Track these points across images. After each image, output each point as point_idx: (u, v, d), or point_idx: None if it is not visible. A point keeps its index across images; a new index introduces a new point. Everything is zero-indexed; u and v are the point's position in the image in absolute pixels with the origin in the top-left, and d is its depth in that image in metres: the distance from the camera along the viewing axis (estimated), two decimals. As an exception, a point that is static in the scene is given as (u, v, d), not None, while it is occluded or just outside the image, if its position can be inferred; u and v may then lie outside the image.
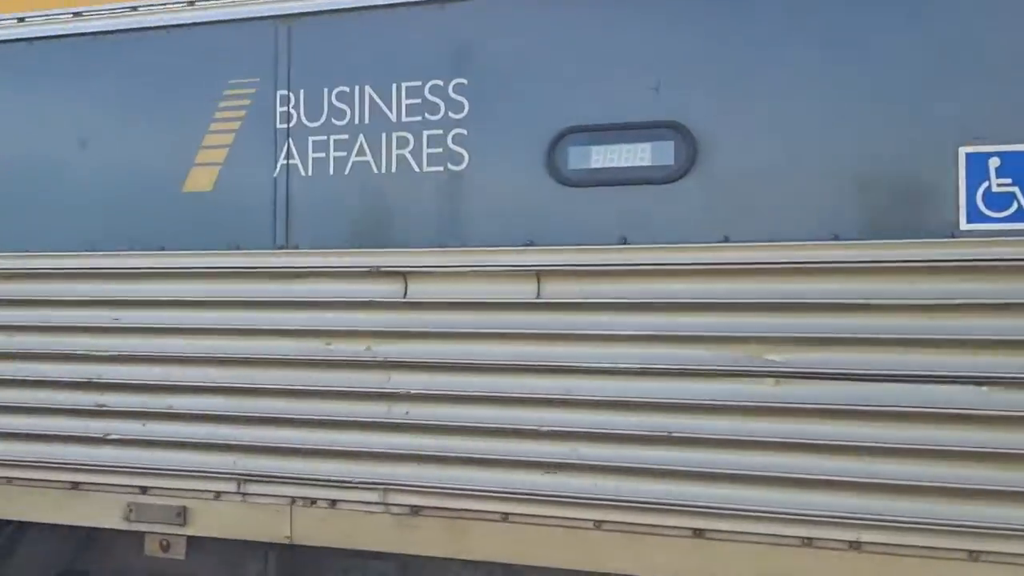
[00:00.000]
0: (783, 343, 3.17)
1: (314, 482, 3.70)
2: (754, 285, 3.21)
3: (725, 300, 3.24)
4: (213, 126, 3.92)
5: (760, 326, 3.20)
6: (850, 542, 3.11)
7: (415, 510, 3.58)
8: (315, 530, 3.72)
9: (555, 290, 3.44)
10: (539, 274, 3.46)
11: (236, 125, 3.90)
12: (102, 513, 4.04)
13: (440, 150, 3.61)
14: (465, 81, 3.59)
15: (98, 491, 4.03)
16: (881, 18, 3.14)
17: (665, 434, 3.29)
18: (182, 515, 3.90)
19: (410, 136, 3.66)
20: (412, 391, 3.59)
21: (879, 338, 3.07)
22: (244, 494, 3.80)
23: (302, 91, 3.80)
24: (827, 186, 3.17)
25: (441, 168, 3.61)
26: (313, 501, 3.71)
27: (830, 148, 3.17)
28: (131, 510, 3.98)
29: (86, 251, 4.06)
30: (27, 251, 4.14)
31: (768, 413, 3.19)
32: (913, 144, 3.08)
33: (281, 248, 3.80)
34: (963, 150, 3.02)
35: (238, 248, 3.86)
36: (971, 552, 2.97)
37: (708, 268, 3.26)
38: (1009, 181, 2.98)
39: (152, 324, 3.95)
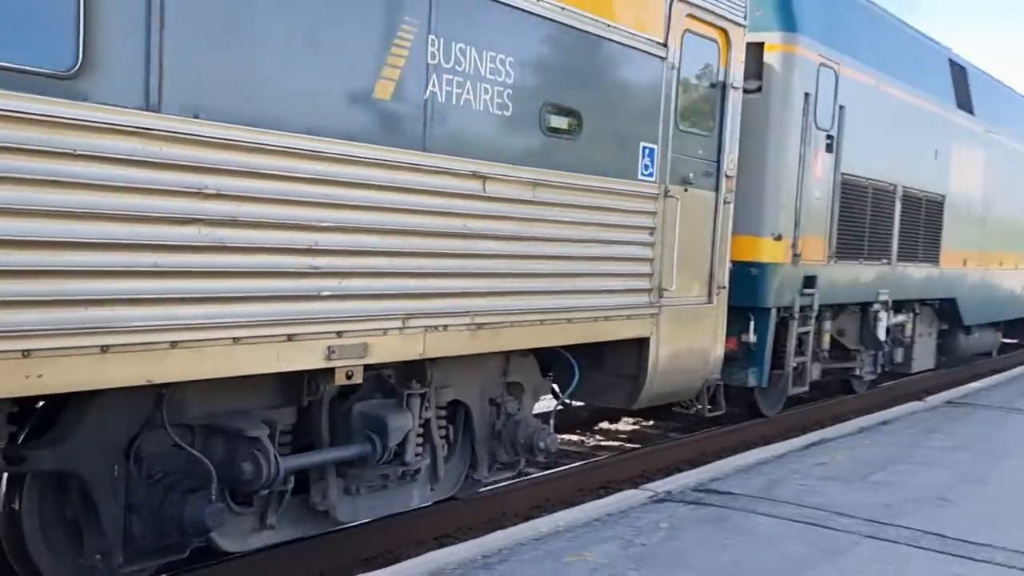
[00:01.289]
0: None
1: (439, 315, 5.52)
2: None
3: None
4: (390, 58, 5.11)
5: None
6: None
7: (480, 325, 5.83)
8: (435, 346, 5.53)
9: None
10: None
11: (406, 53, 5.16)
12: (310, 357, 4.77)
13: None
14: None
15: (307, 339, 4.75)
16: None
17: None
18: (365, 349, 5.06)
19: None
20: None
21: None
22: (403, 328, 5.27)
23: (442, 39, 5.35)
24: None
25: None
26: (445, 327, 5.55)
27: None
28: (332, 351, 4.88)
29: (306, 134, 4.64)
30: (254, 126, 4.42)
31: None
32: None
33: (426, 151, 5.34)
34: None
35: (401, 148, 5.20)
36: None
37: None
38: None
39: (350, 202, 4.91)
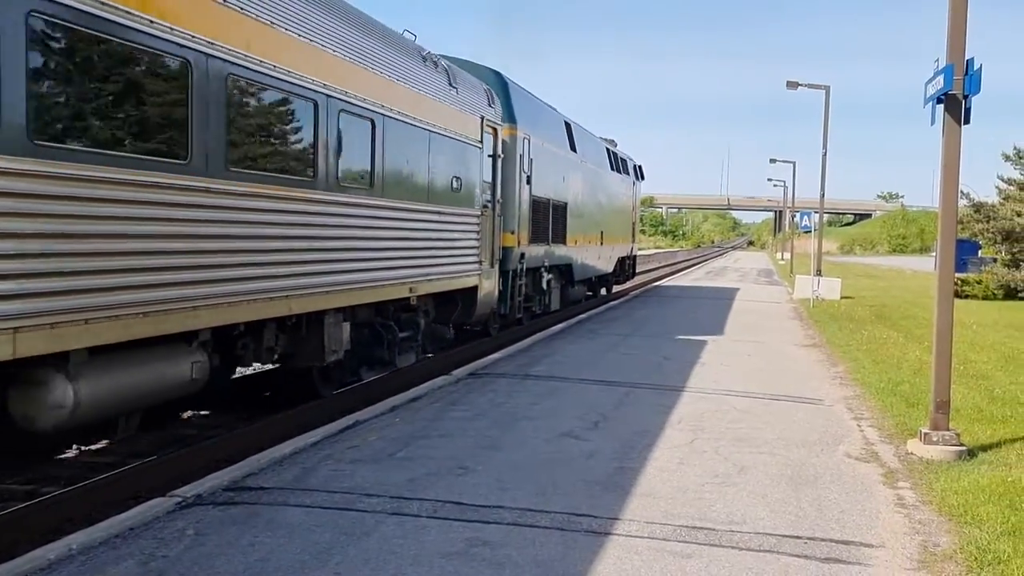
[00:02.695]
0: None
1: (434, 275, 12.64)
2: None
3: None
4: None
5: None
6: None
7: (440, 279, 12.85)
8: (430, 288, 12.16)
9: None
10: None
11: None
12: (404, 291, 11.64)
13: None
14: None
15: (404, 285, 11.34)
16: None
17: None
18: (415, 289, 11.66)
19: None
20: None
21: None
22: (424, 280, 11.71)
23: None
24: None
25: None
26: (432, 280, 12.83)
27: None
28: (411, 289, 11.82)
29: None
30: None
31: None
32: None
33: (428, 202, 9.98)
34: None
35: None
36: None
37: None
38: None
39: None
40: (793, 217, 56.43)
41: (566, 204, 21.18)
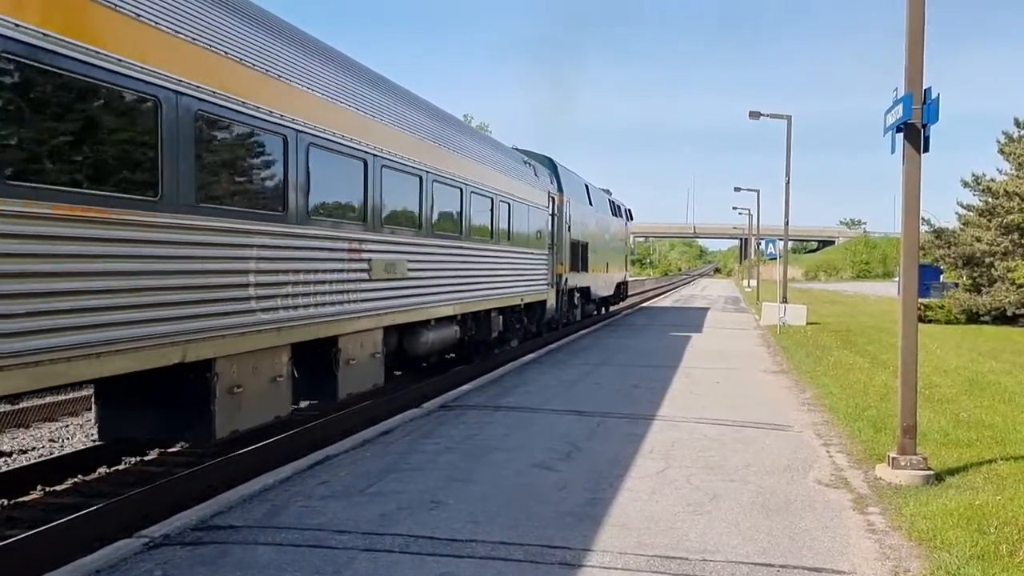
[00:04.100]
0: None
1: (527, 291, 21.80)
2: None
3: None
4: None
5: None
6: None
7: (528, 292, 22.19)
8: (529, 299, 21.68)
9: None
10: None
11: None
12: (518, 300, 20.64)
13: None
14: None
15: (517, 297, 20.48)
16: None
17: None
18: (524, 299, 21.13)
19: None
20: None
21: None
22: (528, 291, 21.22)
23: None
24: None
25: None
26: (532, 292, 22.50)
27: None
28: (521, 299, 21.18)
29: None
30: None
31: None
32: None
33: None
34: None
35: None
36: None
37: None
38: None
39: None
40: (758, 244, 56.97)
41: (587, 243, 29.01)
